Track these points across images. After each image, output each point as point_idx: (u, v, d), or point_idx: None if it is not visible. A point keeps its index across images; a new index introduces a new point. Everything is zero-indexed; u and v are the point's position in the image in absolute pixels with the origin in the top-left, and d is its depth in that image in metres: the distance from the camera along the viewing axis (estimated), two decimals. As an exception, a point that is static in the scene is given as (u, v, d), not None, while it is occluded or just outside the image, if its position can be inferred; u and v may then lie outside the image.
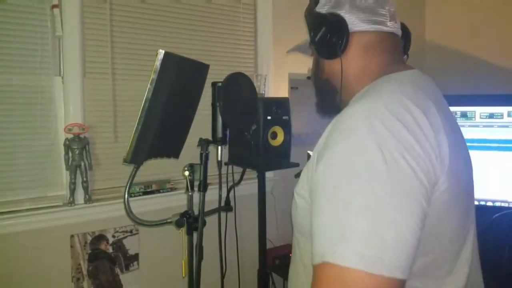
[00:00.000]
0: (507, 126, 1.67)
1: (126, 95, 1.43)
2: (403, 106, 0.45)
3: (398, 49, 0.61)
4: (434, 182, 0.43)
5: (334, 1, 0.59)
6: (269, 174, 1.57)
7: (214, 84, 1.13)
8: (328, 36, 0.57)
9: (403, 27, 0.64)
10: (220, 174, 1.14)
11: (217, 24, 1.61)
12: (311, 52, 0.68)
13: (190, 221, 1.12)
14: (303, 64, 1.78)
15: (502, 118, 1.68)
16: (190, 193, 1.14)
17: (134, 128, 1.00)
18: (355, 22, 0.57)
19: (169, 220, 1.11)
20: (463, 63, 2.01)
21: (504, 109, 1.67)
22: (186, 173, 1.12)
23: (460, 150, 0.52)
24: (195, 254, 1.11)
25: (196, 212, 1.12)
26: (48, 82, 1.31)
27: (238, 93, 1.10)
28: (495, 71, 1.90)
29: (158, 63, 0.99)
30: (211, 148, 1.13)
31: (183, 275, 1.12)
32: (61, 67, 1.32)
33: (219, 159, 1.13)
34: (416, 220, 0.41)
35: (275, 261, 1.61)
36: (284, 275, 1.56)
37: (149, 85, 0.99)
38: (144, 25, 1.45)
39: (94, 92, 1.38)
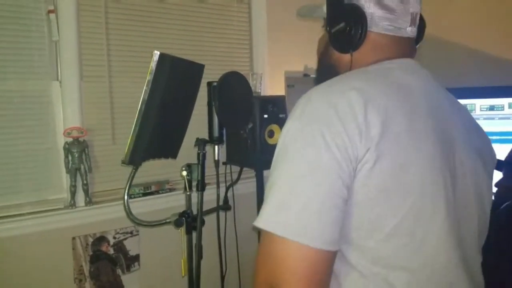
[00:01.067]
0: (508, 118, 1.65)
1: (123, 97, 1.44)
2: (342, 91, 0.48)
3: (407, 48, 0.60)
4: (355, 157, 0.46)
5: None
6: (267, 173, 1.57)
7: (209, 84, 1.14)
8: (345, 31, 0.56)
9: (420, 18, 0.61)
10: (217, 174, 1.14)
11: (211, 24, 1.62)
12: (323, 22, 0.66)
13: (189, 221, 1.12)
14: (299, 62, 1.78)
15: (503, 110, 1.67)
16: (188, 193, 1.14)
17: (132, 130, 1.01)
18: (376, 21, 0.56)
19: (168, 220, 1.12)
20: (463, 55, 1.99)
21: (505, 101, 1.66)
22: (184, 173, 1.12)
23: (423, 141, 0.49)
24: (195, 253, 1.11)
25: (195, 211, 1.12)
26: (46, 87, 1.32)
27: (233, 92, 1.11)
28: (494, 62, 1.88)
29: (153, 64, 0.99)
30: (208, 147, 1.13)
31: (183, 274, 1.13)
32: (59, 72, 1.33)
33: (216, 158, 1.14)
34: (328, 191, 0.44)
35: (276, 259, 1.61)
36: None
37: (145, 86, 1.00)
38: (139, 27, 1.46)
39: (92, 95, 1.39)
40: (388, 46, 0.57)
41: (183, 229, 1.12)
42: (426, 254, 0.48)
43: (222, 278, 1.31)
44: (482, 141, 0.61)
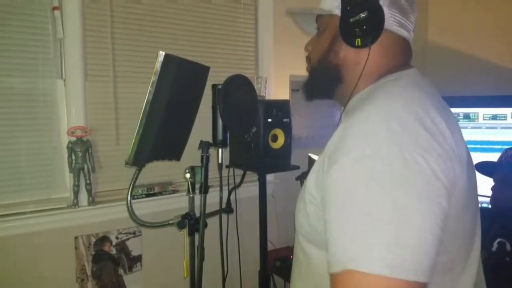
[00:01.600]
0: (511, 128, 1.66)
1: (127, 97, 1.45)
2: (420, 107, 0.45)
3: (409, 57, 0.59)
4: (454, 181, 0.43)
5: None
6: (269, 177, 1.58)
7: (214, 87, 1.14)
8: (365, 23, 0.53)
9: None
10: (220, 177, 1.14)
11: (218, 26, 1.62)
12: (311, 26, 0.63)
13: (192, 223, 1.13)
14: (304, 66, 1.78)
15: (506, 119, 1.67)
16: (191, 195, 1.15)
17: (136, 131, 1.01)
18: (390, 20, 0.54)
19: (171, 222, 1.12)
20: (466, 64, 1.99)
21: (507, 110, 1.66)
22: (188, 175, 1.13)
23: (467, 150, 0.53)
24: (197, 255, 1.12)
25: (197, 213, 1.13)
26: (50, 85, 1.32)
27: (238, 95, 1.11)
28: (498, 72, 1.89)
29: (158, 65, 1.00)
30: (211, 150, 1.14)
31: (185, 276, 1.13)
32: (63, 70, 1.34)
33: (219, 161, 1.14)
34: (437, 221, 0.41)
35: (276, 263, 1.61)
36: (285, 276, 1.56)
37: (150, 87, 1.00)
38: (145, 27, 1.47)
39: (96, 95, 1.39)
40: (398, 50, 0.56)
41: (185, 231, 1.12)
42: (472, 265, 0.52)
43: (224, 279, 1.31)
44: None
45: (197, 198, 1.13)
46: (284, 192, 1.70)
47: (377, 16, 0.53)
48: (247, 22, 1.71)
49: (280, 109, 1.40)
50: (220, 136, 1.13)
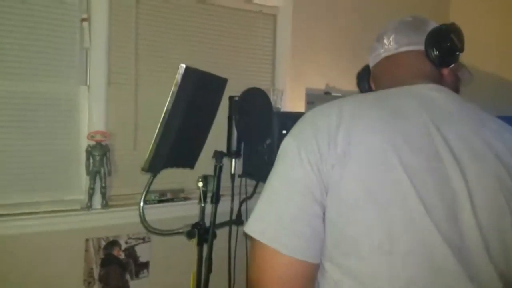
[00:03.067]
0: None
1: (147, 105, 1.48)
2: (327, 112, 0.53)
3: (405, 68, 0.63)
4: (326, 174, 0.48)
5: None
6: (282, 189, 1.56)
7: (231, 98, 1.15)
8: (362, 85, 0.76)
9: (437, 32, 0.61)
10: (232, 188, 1.15)
11: (236, 37, 1.65)
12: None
13: (201, 233, 1.12)
14: (321, 80, 1.78)
15: None
16: (202, 205, 1.15)
17: (153, 138, 1.03)
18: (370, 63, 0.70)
19: (180, 230, 1.13)
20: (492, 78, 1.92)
21: None
22: (200, 184, 1.13)
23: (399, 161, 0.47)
24: (204, 267, 1.11)
25: (207, 223, 1.12)
26: (74, 91, 1.37)
27: (254, 107, 1.12)
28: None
29: (179, 77, 1.02)
30: (225, 160, 1.14)
31: (191, 287, 1.12)
32: (88, 77, 1.38)
33: (232, 171, 1.15)
34: (298, 206, 0.48)
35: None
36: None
37: (169, 97, 1.02)
38: (167, 38, 1.51)
39: (117, 102, 1.43)
40: (377, 75, 0.68)
41: (194, 241, 1.12)
42: (410, 272, 0.46)
43: (230, 293, 1.29)
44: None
45: (208, 207, 1.13)
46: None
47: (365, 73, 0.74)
48: (266, 33, 1.73)
49: (295, 121, 1.38)
50: (234, 147, 1.14)
